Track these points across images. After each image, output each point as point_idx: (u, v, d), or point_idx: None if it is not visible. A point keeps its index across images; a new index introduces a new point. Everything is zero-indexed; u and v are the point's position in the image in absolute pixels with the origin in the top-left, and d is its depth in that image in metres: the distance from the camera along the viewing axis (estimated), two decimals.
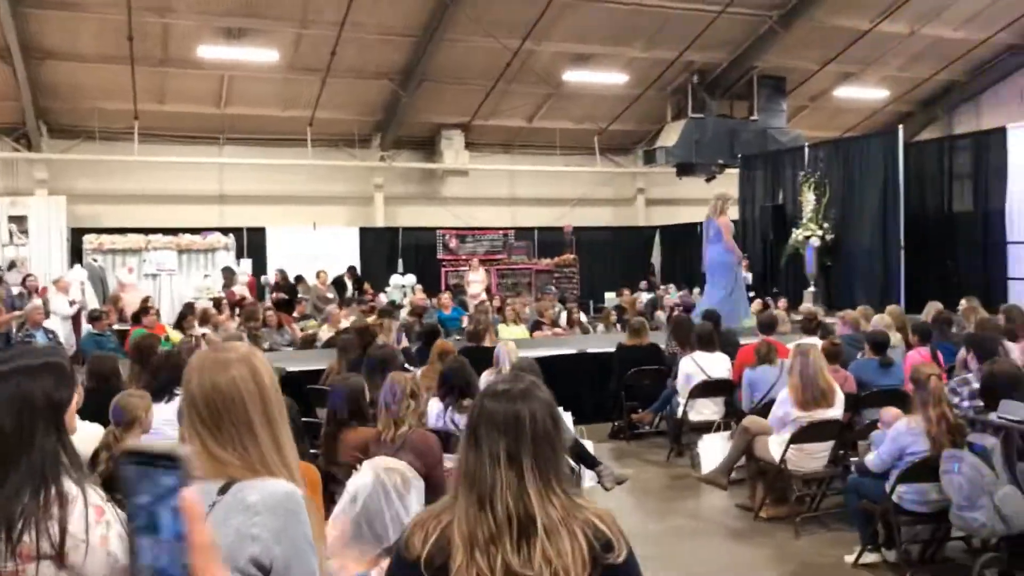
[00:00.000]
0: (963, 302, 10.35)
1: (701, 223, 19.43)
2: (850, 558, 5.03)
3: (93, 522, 1.91)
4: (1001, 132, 13.06)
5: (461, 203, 19.20)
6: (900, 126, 14.11)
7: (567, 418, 5.65)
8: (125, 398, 4.15)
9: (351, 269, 16.48)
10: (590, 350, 9.27)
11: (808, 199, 14.45)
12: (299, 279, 15.08)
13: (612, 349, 8.82)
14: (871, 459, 4.79)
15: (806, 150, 15.14)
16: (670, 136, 17.42)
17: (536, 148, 19.36)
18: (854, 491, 5.03)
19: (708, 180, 18.35)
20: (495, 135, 18.83)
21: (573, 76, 16.37)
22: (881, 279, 13.70)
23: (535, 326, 11.58)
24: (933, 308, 10.14)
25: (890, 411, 5.12)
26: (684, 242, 19.98)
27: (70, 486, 1.92)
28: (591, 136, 18.93)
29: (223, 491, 1.81)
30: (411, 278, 16.95)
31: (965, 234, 13.57)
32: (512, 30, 14.73)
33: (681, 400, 7.41)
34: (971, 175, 13.66)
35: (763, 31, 15.94)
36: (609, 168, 19.98)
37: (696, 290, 17.43)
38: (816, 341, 7.90)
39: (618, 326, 11.84)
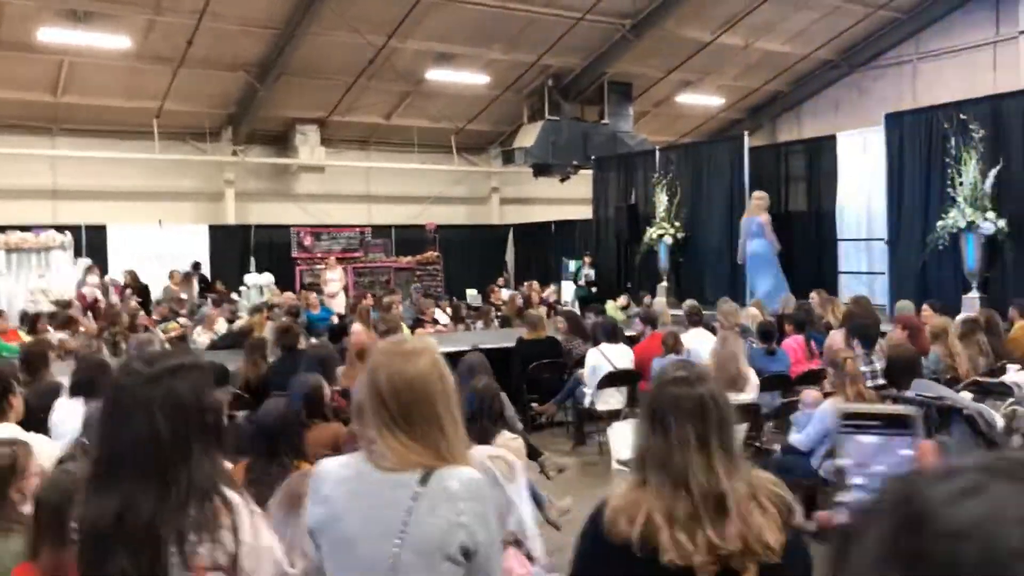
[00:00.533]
0: (813, 295, 11.36)
1: (554, 222, 20.22)
2: None
3: (260, 528, 1.90)
4: (832, 139, 14.33)
5: (315, 200, 18.82)
6: (746, 132, 15.21)
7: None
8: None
9: (195, 265, 15.72)
10: (484, 345, 9.43)
11: (661, 199, 15.25)
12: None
13: (503, 344, 9.03)
14: (799, 439, 5.27)
15: (657, 153, 15.98)
16: (526, 137, 17.86)
17: (393, 146, 19.29)
18: (778, 468, 5.49)
19: (562, 180, 19.02)
20: (352, 131, 18.60)
21: (435, 75, 16.46)
22: (728, 274, 14.70)
23: (416, 323, 11.60)
24: (790, 301, 11.12)
25: (810, 394, 5.63)
26: (537, 241, 20.57)
27: (231, 493, 1.88)
28: (448, 135, 19.07)
29: (423, 482, 1.84)
30: (268, 277, 16.43)
31: (800, 232, 14.77)
32: (377, 26, 14.64)
33: (588, 391, 7.73)
34: (805, 178, 14.92)
35: (616, 39, 16.68)
36: (465, 167, 20.20)
37: (552, 287, 18.02)
38: (704, 332, 8.53)
39: (496, 322, 12.09)
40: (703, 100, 20.07)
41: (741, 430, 6.20)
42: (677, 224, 15.07)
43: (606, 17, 15.85)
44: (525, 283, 16.40)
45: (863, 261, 14.06)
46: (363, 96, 17.12)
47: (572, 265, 17.89)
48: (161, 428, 1.81)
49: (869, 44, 18.81)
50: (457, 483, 1.84)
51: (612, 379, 7.65)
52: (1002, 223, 10.46)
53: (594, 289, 16.32)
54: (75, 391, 4.91)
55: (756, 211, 12.65)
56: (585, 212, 19.44)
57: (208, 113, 16.53)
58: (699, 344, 7.92)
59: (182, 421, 1.84)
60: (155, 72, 14.72)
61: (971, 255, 10.80)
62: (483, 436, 4.22)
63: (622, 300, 13.79)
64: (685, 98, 19.82)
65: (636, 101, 19.23)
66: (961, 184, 10.79)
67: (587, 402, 7.75)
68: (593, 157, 17.53)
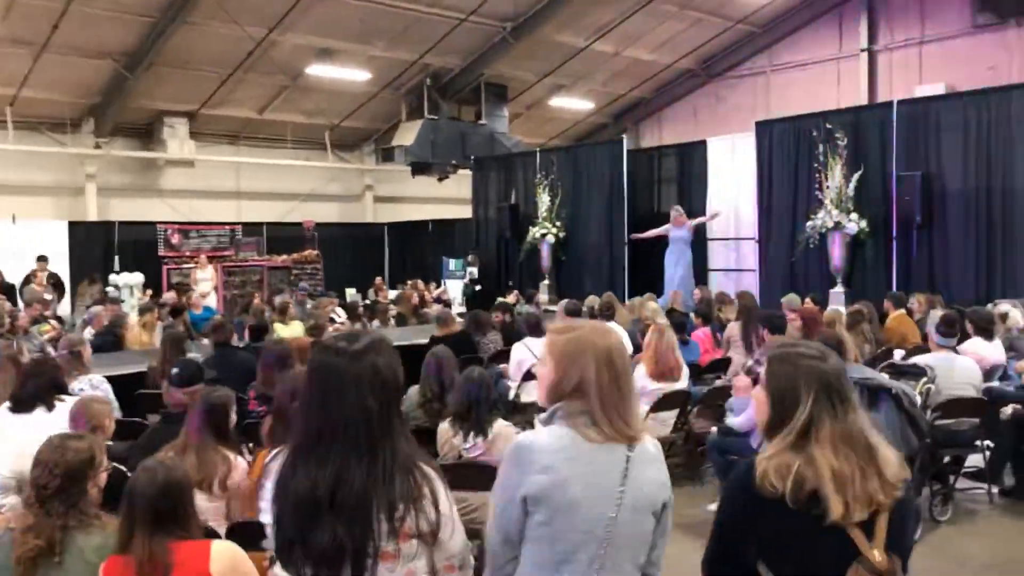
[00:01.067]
0: (696, 291, 12.12)
1: (430, 221, 20.31)
2: (712, 506, 5.89)
3: (451, 500, 2.02)
4: (703, 144, 15.20)
5: (183, 196, 18.06)
6: (624, 136, 15.89)
7: None
8: (88, 403, 3.76)
9: (41, 259, 14.52)
10: (398, 343, 9.44)
11: (543, 200, 15.69)
12: None
13: (416, 341, 9.10)
14: (738, 421, 5.70)
15: (538, 154, 16.43)
16: (406, 135, 17.84)
17: (264, 141, 18.80)
18: (716, 449, 5.92)
19: (440, 179, 19.12)
20: (222, 125, 17.99)
21: (315, 70, 16.18)
22: (608, 271, 15.31)
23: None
24: (677, 297, 11.80)
25: (742, 379, 6.08)
26: (413, 239, 20.57)
27: (426, 467, 1.99)
28: (322, 131, 18.78)
29: (631, 448, 2.04)
30: (138, 276, 15.65)
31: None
32: (258, 18, 14.26)
33: (512, 383, 7.93)
34: (677, 180, 15.75)
35: (496, 41, 16.97)
36: (339, 164, 19.92)
37: (434, 286, 18.12)
38: (617, 326, 8.93)
39: (393, 321, 12.08)
40: (574, 104, 20.71)
41: (672, 415, 6.61)
42: (558, 223, 15.55)
43: (488, 19, 16.11)
44: (409, 282, 16.41)
45: (732, 259, 15.00)
46: (237, 89, 16.59)
47: (452, 264, 18.04)
48: (370, 403, 1.90)
49: (727, 55, 20.00)
50: (654, 448, 2.07)
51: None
52: (863, 223, 11.52)
53: (478, 287, 16.56)
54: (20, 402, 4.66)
55: (681, 222, 13.63)
56: (459, 211, 19.68)
57: (69, 103, 15.51)
58: None
59: (386, 397, 1.94)
60: (13, 56, 13.68)
61: (836, 252, 11.82)
62: (480, 424, 4.36)
63: (511, 297, 14.07)
64: (558, 101, 20.39)
65: (510, 103, 19.60)
66: (828, 188, 11.77)
67: (511, 395, 7.94)
68: (473, 157, 17.77)
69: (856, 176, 11.63)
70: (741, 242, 14.67)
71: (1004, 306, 7.67)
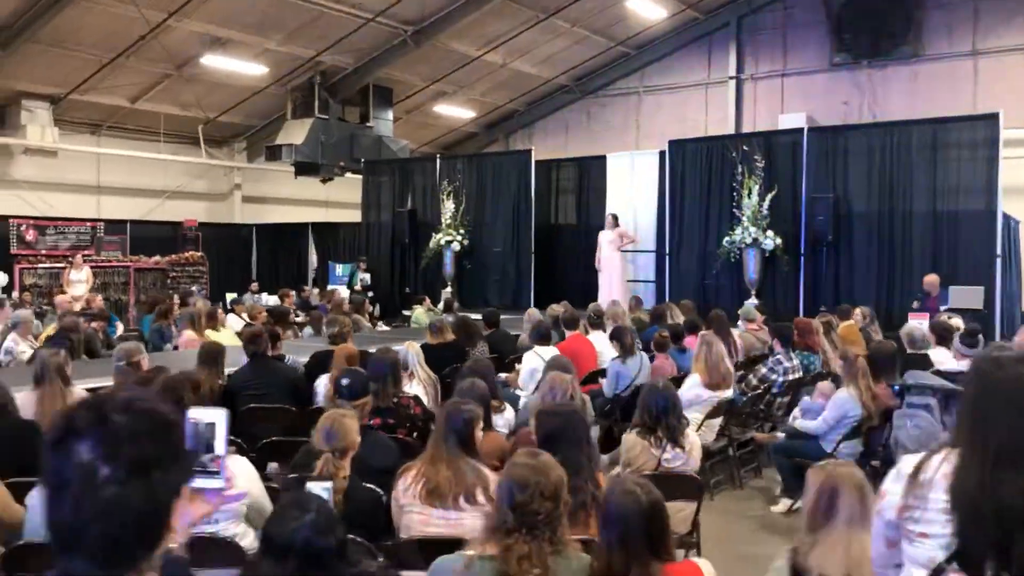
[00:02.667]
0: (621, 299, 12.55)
1: (309, 224, 19.57)
2: (776, 508, 6.22)
3: None
4: (602, 159, 15.73)
5: (37, 188, 16.27)
6: (532, 148, 16.14)
7: None
8: (339, 419, 3.42)
9: None
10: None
11: (447, 207, 15.58)
12: None
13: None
14: (815, 425, 6.03)
15: (438, 161, 16.32)
16: (293, 134, 17.07)
17: (130, 132, 17.33)
18: (783, 452, 6.24)
19: (324, 181, 18.49)
20: (86, 113, 16.41)
21: (209, 60, 15.15)
22: (513, 280, 15.45)
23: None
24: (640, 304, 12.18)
25: (826, 384, 6.43)
26: (286, 243, 19.70)
27: None
28: (195, 125, 17.58)
29: None
30: (2, 277, 13.96)
31: (570, 243, 16.00)
32: (157, 1, 13.19)
33: (522, 393, 7.88)
34: (576, 192, 16.20)
35: (395, 43, 16.66)
36: (210, 160, 18.70)
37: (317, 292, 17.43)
38: (602, 335, 9.08)
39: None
40: (455, 111, 20.71)
41: (716, 423, 6.87)
42: (463, 231, 15.50)
43: (394, 21, 15.80)
44: (329, 287, 15.77)
45: (630, 270, 15.59)
46: (113, 75, 15.19)
47: (340, 269, 17.49)
48: None
49: (601, 74, 20.76)
50: None
51: None
52: (778, 240, 12.43)
53: (370, 294, 16.16)
54: None
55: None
56: (334, 215, 19.16)
57: None
58: (605, 347, 8.51)
59: None
60: None
61: (751, 267, 12.66)
62: (672, 434, 4.38)
63: (427, 303, 13.89)
64: (440, 108, 20.30)
65: (393, 106, 19.29)
66: (745, 206, 12.59)
67: (521, 403, 7.89)
68: (364, 161, 17.33)
69: (770, 196, 12.52)
70: (639, 254, 15.32)
71: (955, 319, 8.59)
